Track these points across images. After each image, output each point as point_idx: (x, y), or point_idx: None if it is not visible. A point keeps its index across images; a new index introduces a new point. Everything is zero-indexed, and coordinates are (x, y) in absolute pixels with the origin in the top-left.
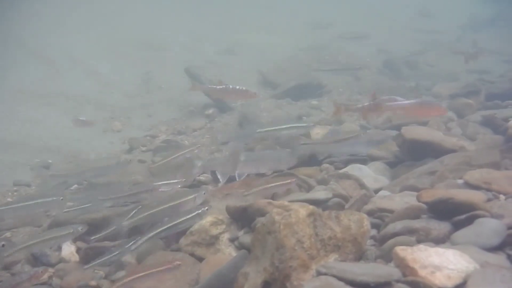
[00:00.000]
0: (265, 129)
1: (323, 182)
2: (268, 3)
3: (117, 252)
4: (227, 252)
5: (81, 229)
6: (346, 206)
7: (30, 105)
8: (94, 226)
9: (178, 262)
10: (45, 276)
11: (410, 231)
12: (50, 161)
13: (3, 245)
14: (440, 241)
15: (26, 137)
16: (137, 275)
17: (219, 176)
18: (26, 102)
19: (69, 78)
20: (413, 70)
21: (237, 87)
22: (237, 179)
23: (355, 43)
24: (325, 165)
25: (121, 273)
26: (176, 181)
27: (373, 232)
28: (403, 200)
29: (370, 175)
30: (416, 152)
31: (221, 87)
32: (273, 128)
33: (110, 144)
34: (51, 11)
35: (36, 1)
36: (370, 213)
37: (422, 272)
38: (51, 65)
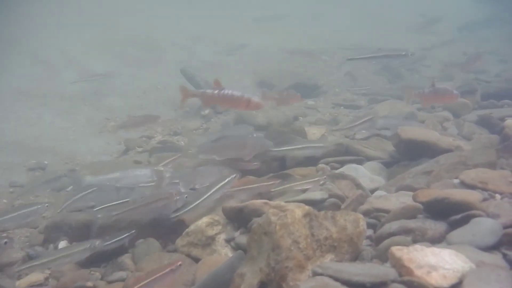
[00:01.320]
0: (279, 149)
1: None
2: (265, 3)
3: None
4: (223, 253)
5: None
6: (342, 206)
7: (25, 105)
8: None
9: (180, 263)
10: (41, 278)
11: (406, 231)
12: (46, 162)
13: (5, 243)
14: (436, 241)
15: (22, 137)
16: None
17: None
18: (22, 102)
19: (64, 78)
20: (410, 71)
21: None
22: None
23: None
24: (321, 165)
25: (118, 274)
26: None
27: (369, 232)
28: (399, 200)
29: (366, 175)
30: (412, 152)
31: (215, 92)
32: (287, 148)
33: (107, 145)
34: (46, 11)
35: (32, 1)
36: (366, 213)
37: (418, 272)
38: (47, 65)
